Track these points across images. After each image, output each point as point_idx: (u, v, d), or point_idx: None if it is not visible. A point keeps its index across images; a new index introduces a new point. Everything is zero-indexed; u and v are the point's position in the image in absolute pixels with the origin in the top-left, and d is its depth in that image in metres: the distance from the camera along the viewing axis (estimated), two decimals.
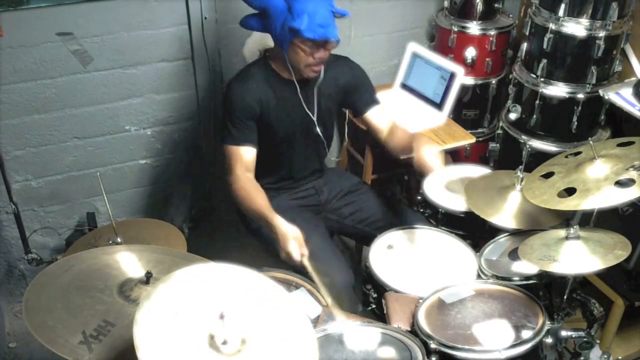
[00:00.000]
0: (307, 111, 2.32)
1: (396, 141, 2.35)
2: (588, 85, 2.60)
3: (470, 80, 2.95)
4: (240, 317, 1.42)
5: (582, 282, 2.34)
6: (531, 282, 2.02)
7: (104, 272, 1.60)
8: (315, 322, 1.90)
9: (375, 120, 2.43)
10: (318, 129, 2.37)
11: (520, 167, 2.27)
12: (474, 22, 2.90)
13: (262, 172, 2.42)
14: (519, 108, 2.77)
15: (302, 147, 2.40)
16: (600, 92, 2.58)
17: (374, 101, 2.45)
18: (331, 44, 2.14)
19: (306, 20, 2.03)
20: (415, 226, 2.35)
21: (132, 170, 2.89)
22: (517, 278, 2.04)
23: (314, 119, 2.34)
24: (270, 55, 2.30)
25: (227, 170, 2.26)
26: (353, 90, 2.43)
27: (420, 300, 1.96)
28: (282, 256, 2.07)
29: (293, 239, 2.03)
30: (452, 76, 2.82)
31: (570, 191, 1.93)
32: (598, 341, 2.28)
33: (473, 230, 2.44)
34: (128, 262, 1.65)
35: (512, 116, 2.77)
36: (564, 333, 1.95)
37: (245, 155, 2.24)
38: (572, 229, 1.86)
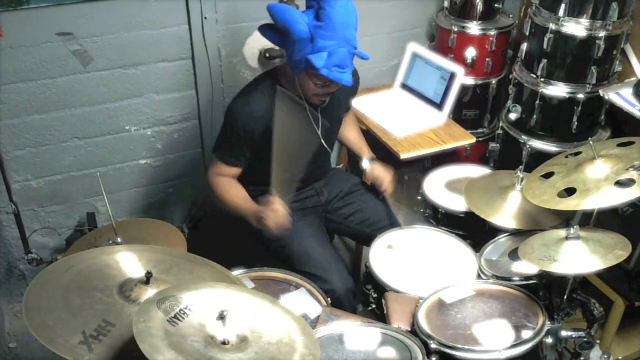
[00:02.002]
0: (315, 127, 2.31)
1: (344, 134, 2.60)
2: (588, 85, 2.60)
3: (470, 80, 2.95)
4: (240, 317, 1.42)
5: (582, 282, 2.34)
6: (531, 282, 2.03)
7: (104, 272, 1.60)
8: (315, 322, 1.90)
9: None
10: (323, 142, 2.37)
11: (520, 167, 2.27)
12: (474, 22, 2.90)
13: (265, 178, 2.42)
14: (519, 108, 2.77)
15: (307, 158, 2.39)
16: (600, 92, 2.58)
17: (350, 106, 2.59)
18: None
19: (325, 58, 2.00)
20: (415, 226, 2.35)
21: (132, 170, 2.88)
22: (517, 278, 2.04)
23: (320, 134, 2.33)
24: (280, 70, 2.28)
25: (209, 172, 2.34)
26: (352, 96, 2.51)
27: (420, 300, 1.96)
28: (270, 231, 2.17)
29: (276, 217, 2.14)
30: (452, 76, 2.83)
31: (570, 191, 1.93)
32: (598, 341, 2.28)
33: (473, 230, 2.44)
34: (128, 262, 1.65)
35: (512, 116, 2.77)
36: (564, 333, 1.95)
37: (230, 172, 2.29)
38: (572, 229, 1.86)
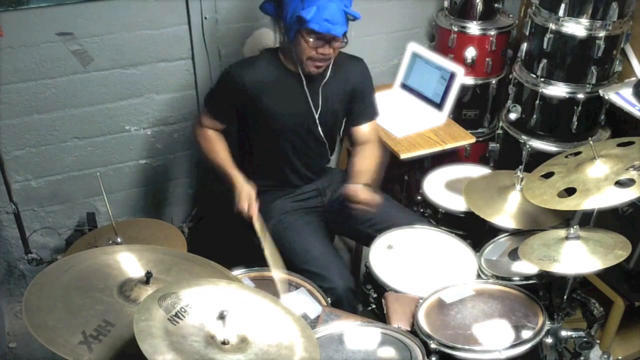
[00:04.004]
0: (312, 107, 2.32)
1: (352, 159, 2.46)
2: (588, 85, 2.60)
3: (470, 80, 2.95)
4: (240, 317, 1.42)
5: (582, 282, 2.34)
6: (531, 282, 2.03)
7: (104, 272, 1.60)
8: (315, 322, 1.90)
9: (361, 135, 2.46)
10: (319, 129, 2.36)
11: (520, 167, 2.27)
12: (474, 22, 2.90)
13: (264, 174, 2.42)
14: (519, 108, 2.77)
15: (303, 146, 2.39)
16: (600, 92, 2.58)
17: (372, 114, 2.47)
18: (337, 42, 2.15)
19: (314, 11, 2.05)
20: (415, 226, 2.35)
21: (132, 170, 2.88)
22: (517, 278, 2.04)
23: (316, 116, 2.33)
24: (281, 47, 2.32)
25: (197, 119, 2.44)
26: (359, 96, 2.43)
27: (420, 300, 1.96)
28: (235, 209, 2.23)
29: (246, 197, 2.22)
30: (452, 76, 2.83)
31: (570, 191, 1.93)
32: (598, 341, 2.28)
33: (473, 230, 2.44)
34: (128, 262, 1.65)
35: (512, 116, 2.77)
36: (564, 333, 1.95)
37: (215, 126, 2.37)
38: (572, 229, 1.86)
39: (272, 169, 2.42)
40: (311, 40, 2.13)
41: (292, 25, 2.12)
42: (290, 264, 2.28)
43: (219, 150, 2.36)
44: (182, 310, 1.37)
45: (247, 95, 2.25)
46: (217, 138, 2.37)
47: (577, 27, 2.51)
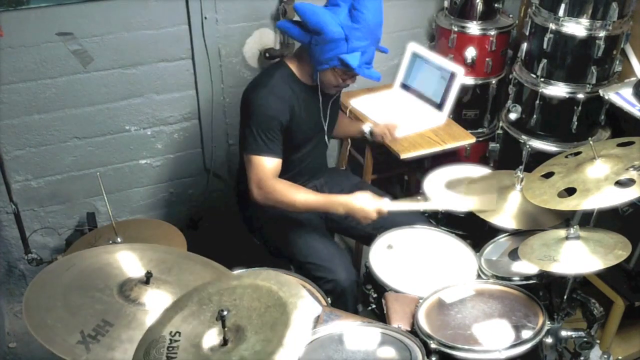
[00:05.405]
0: (322, 120, 2.36)
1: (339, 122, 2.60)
2: (588, 85, 2.60)
3: (470, 80, 2.95)
4: (240, 317, 1.41)
5: (582, 282, 2.33)
6: (531, 282, 2.02)
7: (105, 271, 1.60)
8: (315, 322, 1.90)
9: None
10: (326, 137, 2.42)
11: (520, 167, 2.27)
12: (474, 22, 2.90)
13: (288, 166, 2.42)
14: (519, 108, 2.77)
15: (310, 150, 2.41)
16: (600, 92, 2.58)
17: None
18: None
19: (359, 57, 2.09)
20: (415, 226, 2.35)
21: (132, 170, 2.89)
22: (517, 278, 2.04)
23: (325, 127, 2.38)
24: (290, 59, 2.29)
25: (251, 179, 2.22)
26: None
27: (420, 300, 1.96)
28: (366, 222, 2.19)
29: (371, 211, 2.15)
30: (452, 76, 2.83)
31: (570, 191, 1.93)
32: (598, 341, 2.28)
33: (473, 230, 2.44)
34: (129, 261, 1.65)
35: (512, 116, 2.77)
36: (564, 333, 1.95)
37: (271, 164, 2.21)
38: (572, 229, 1.86)
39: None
40: (346, 77, 2.19)
41: (329, 61, 2.12)
42: (293, 259, 2.29)
43: (299, 193, 2.21)
44: (170, 348, 1.30)
45: (287, 118, 2.21)
46: (284, 186, 2.21)
47: (577, 27, 2.51)
